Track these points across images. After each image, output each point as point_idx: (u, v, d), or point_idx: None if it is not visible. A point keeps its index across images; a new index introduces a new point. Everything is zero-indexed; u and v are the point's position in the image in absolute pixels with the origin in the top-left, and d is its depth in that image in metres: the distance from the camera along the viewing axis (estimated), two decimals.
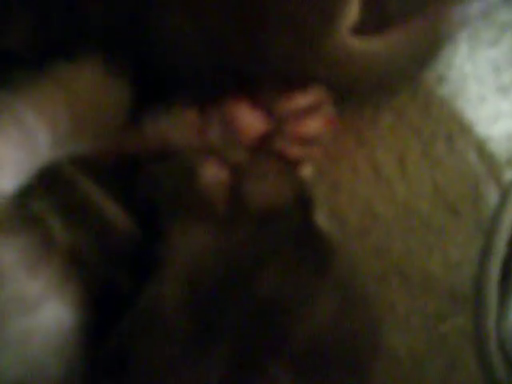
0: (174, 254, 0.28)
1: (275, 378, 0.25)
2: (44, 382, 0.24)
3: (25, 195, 0.25)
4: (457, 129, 0.38)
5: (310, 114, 0.32)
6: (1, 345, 0.24)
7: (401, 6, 0.35)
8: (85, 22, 0.28)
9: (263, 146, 0.32)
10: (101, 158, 0.30)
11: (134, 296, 0.27)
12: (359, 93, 0.34)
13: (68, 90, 0.27)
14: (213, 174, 0.30)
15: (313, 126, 0.32)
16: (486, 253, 0.33)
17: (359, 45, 0.32)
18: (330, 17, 0.30)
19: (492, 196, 0.39)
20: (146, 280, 0.28)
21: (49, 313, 0.25)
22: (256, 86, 0.31)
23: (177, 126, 0.31)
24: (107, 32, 0.28)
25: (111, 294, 0.28)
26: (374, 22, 0.33)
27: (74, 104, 0.27)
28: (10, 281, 0.24)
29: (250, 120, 0.31)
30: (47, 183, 0.27)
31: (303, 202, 0.30)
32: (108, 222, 0.29)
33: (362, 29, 0.33)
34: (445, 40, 0.35)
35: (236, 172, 0.30)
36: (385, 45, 0.33)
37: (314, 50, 0.30)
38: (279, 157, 0.31)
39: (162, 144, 0.31)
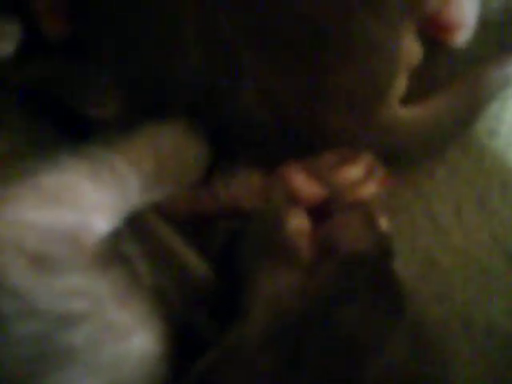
0: (259, 296, 0.31)
1: None
2: None
3: (116, 237, 0.29)
4: (510, 180, 0.40)
5: (364, 182, 0.34)
6: (95, 368, 0.26)
7: (449, 71, 0.38)
8: (171, 98, 0.32)
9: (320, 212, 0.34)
10: (177, 210, 0.33)
11: (213, 335, 0.30)
12: (410, 155, 0.36)
13: (154, 145, 0.31)
14: (298, 222, 0.32)
15: (367, 191, 0.34)
16: None
17: (406, 113, 0.35)
18: (381, 91, 0.33)
19: None
20: (226, 321, 0.31)
21: (137, 342, 0.27)
22: (313, 156, 0.34)
23: (244, 190, 0.34)
24: (188, 105, 0.32)
25: (189, 332, 0.31)
26: (422, 89, 0.37)
27: (159, 157, 0.31)
28: (103, 310, 0.27)
29: (306, 189, 0.33)
30: (134, 228, 0.30)
31: (383, 250, 0.32)
32: (187, 267, 0.32)
33: (409, 98, 0.36)
34: (488, 101, 0.37)
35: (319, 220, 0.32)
36: (430, 111, 0.36)
37: (366, 121, 0.33)
38: (362, 207, 0.33)
39: (231, 204, 0.34)
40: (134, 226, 0.31)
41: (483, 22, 0.38)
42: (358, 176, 0.34)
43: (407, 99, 0.35)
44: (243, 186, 0.34)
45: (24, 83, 0.34)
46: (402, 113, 0.34)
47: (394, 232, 0.39)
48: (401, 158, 0.35)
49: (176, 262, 0.33)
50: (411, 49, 0.35)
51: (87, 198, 0.28)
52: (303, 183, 0.33)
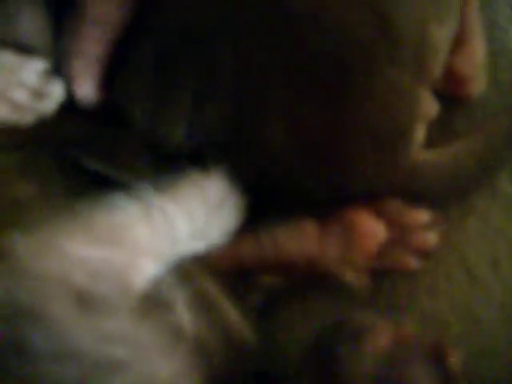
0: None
1: None
2: None
3: (160, 283, 0.27)
4: None
5: (429, 228, 0.35)
6: None
7: (466, 123, 0.39)
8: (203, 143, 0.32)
9: (380, 257, 0.33)
10: (220, 262, 0.32)
11: None
12: (437, 202, 0.36)
13: (202, 193, 0.31)
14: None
15: (432, 238, 0.34)
16: None
17: (428, 157, 0.35)
18: (403, 131, 0.33)
19: None
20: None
21: None
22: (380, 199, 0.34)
23: (295, 237, 0.33)
24: (220, 149, 0.32)
25: None
26: (442, 141, 0.37)
27: (207, 206, 0.31)
28: (146, 359, 0.24)
29: (372, 226, 0.33)
30: (178, 277, 0.28)
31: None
32: (229, 322, 0.30)
33: (430, 143, 0.36)
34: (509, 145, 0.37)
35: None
36: (451, 154, 0.36)
37: (390, 161, 0.33)
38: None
39: (278, 254, 0.32)
40: (179, 274, 0.29)
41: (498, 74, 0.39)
42: (425, 220, 0.34)
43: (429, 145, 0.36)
44: (293, 232, 0.33)
45: (59, 142, 0.33)
46: (424, 156, 0.34)
47: (430, 287, 0.37)
48: (428, 205, 0.35)
49: (218, 317, 0.30)
50: (428, 103, 0.35)
51: (138, 240, 0.28)
52: (367, 220, 0.33)
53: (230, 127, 0.32)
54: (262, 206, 0.34)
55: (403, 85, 0.32)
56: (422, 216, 0.34)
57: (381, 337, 0.27)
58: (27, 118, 0.32)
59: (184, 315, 0.29)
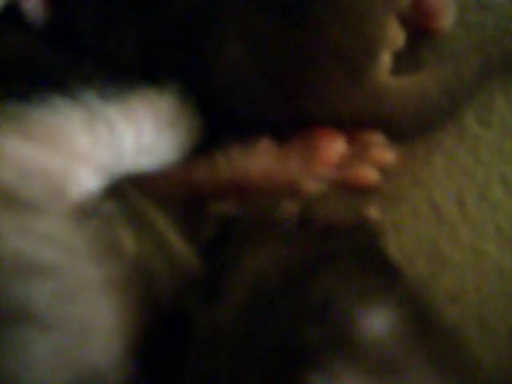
0: (238, 274, 0.27)
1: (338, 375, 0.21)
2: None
3: (100, 197, 0.25)
4: (509, 170, 0.38)
5: (386, 148, 0.34)
6: (55, 331, 0.22)
7: (434, 57, 0.38)
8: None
9: (340, 171, 0.32)
10: (169, 186, 0.30)
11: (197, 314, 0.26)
12: (401, 132, 0.35)
13: (153, 108, 0.29)
14: (287, 206, 0.30)
15: (389, 155, 0.34)
16: None
17: (394, 82, 0.35)
18: (370, 50, 0.33)
19: None
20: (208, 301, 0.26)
21: (109, 308, 0.23)
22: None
23: (252, 155, 0.31)
24: (176, 67, 0.30)
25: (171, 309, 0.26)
26: (408, 69, 0.36)
27: (156, 120, 0.29)
28: (77, 265, 0.23)
29: (332, 139, 0.32)
30: (120, 195, 0.27)
31: (367, 229, 0.30)
32: (171, 246, 0.28)
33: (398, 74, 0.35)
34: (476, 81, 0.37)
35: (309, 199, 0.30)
36: (417, 82, 0.35)
37: (355, 79, 0.32)
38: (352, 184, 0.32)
39: (234, 175, 0.31)
40: (121, 193, 0.28)
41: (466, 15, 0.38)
42: (383, 141, 0.34)
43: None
44: (250, 151, 0.31)
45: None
46: (390, 81, 0.34)
47: (395, 224, 0.36)
48: (394, 133, 0.34)
49: (159, 241, 0.29)
50: (394, 30, 0.34)
51: (77, 147, 0.26)
52: (328, 138, 0.32)
53: (183, 48, 0.31)
54: (218, 128, 0.32)
55: (371, 8, 0.32)
56: (380, 137, 0.34)
57: None
58: None
59: (124, 232, 0.27)
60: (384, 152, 0.33)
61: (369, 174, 0.33)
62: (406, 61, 0.37)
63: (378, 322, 0.23)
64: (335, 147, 0.32)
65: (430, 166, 0.37)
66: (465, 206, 0.37)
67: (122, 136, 0.28)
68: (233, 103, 0.32)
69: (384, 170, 0.34)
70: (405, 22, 0.36)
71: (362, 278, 0.25)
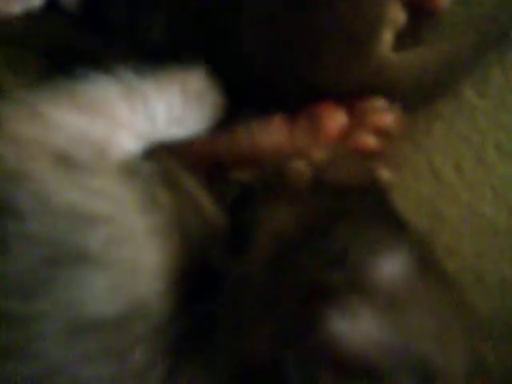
0: (263, 228, 0.30)
1: (355, 312, 0.25)
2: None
3: (137, 159, 0.29)
4: (504, 138, 0.42)
5: (386, 111, 0.37)
6: (107, 271, 0.26)
7: (434, 35, 0.41)
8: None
9: (344, 140, 0.35)
10: (195, 152, 0.33)
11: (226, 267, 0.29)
12: (402, 101, 0.38)
13: (181, 85, 0.33)
14: (298, 167, 0.33)
15: (388, 119, 0.37)
16: None
17: (395, 56, 0.38)
18: (373, 29, 0.36)
19: None
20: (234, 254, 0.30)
21: (152, 252, 0.27)
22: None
23: (266, 130, 0.35)
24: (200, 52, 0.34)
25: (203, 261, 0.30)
26: (408, 46, 0.39)
27: (185, 96, 0.33)
28: (125, 215, 0.27)
29: (333, 115, 0.35)
30: (155, 160, 0.30)
31: (376, 188, 0.33)
32: (201, 206, 0.32)
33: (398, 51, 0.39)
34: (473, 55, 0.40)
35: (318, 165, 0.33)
36: (417, 56, 0.38)
37: (361, 55, 0.35)
38: (357, 151, 0.35)
39: (252, 147, 0.34)
40: (155, 158, 0.31)
41: None
42: (381, 105, 0.36)
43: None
44: (264, 126, 0.35)
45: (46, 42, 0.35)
46: (391, 55, 0.37)
47: (398, 186, 0.40)
48: (396, 102, 0.37)
49: (192, 200, 0.32)
50: (395, 10, 0.37)
51: (117, 115, 0.30)
52: (329, 110, 0.35)
53: (204, 34, 0.34)
54: (239, 104, 0.36)
55: None
56: (379, 101, 0.36)
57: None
58: (15, 8, 0.33)
59: (161, 191, 0.31)
60: (383, 116, 0.36)
61: (368, 141, 0.36)
62: (407, 38, 0.40)
63: (388, 266, 0.27)
64: (336, 119, 0.35)
65: (430, 133, 0.40)
66: (462, 169, 0.41)
67: (155, 107, 0.31)
68: (252, 77, 0.35)
69: (385, 134, 0.37)
70: (406, 2, 0.39)
71: (375, 230, 0.28)
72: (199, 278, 0.30)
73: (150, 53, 0.35)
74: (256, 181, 0.34)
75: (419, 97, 0.38)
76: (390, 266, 0.26)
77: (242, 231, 0.32)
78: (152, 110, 0.31)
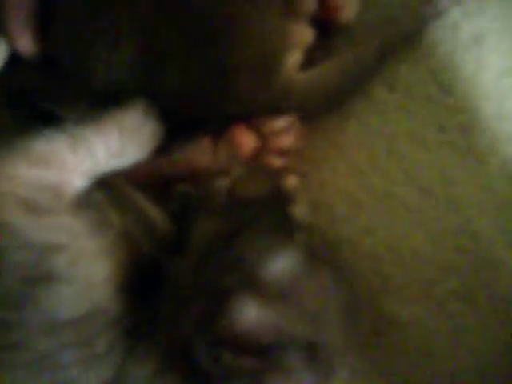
0: (193, 238, 0.39)
1: (246, 303, 0.33)
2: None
3: (89, 191, 0.38)
4: (414, 127, 0.47)
5: (285, 132, 0.43)
6: (73, 284, 0.35)
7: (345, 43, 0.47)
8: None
9: (255, 160, 0.42)
10: (140, 175, 0.41)
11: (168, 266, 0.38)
12: (311, 114, 0.45)
13: (118, 123, 0.40)
14: (218, 184, 0.41)
15: (288, 140, 0.43)
16: None
17: (301, 76, 0.44)
18: (274, 61, 0.42)
19: (460, 176, 0.47)
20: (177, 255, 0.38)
21: (104, 265, 0.36)
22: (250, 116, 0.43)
23: (196, 151, 0.42)
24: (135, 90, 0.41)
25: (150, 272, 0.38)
26: (320, 55, 0.45)
27: (121, 132, 0.40)
28: (77, 240, 0.36)
29: (245, 139, 0.42)
30: (105, 186, 0.39)
31: (280, 198, 0.40)
32: (149, 218, 0.40)
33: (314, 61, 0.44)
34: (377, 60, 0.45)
35: (234, 180, 0.41)
36: (321, 73, 0.44)
37: (265, 84, 0.41)
38: (265, 169, 0.42)
39: (186, 166, 0.42)
40: (105, 185, 0.39)
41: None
42: (281, 126, 0.43)
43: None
44: (194, 148, 0.43)
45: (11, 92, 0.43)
46: (297, 76, 0.43)
47: (319, 181, 0.47)
48: (307, 114, 0.44)
49: (141, 214, 0.40)
50: (301, 32, 0.43)
51: (67, 163, 0.38)
52: (241, 135, 0.42)
53: (139, 74, 0.41)
54: (174, 129, 0.43)
55: (271, 23, 0.40)
56: (278, 123, 0.43)
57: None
58: None
59: (111, 213, 0.39)
60: (283, 139, 0.43)
61: (272, 161, 0.43)
62: (319, 51, 0.45)
63: (275, 267, 0.34)
64: (247, 142, 0.42)
65: (344, 130, 0.47)
66: (376, 159, 0.47)
67: (96, 148, 0.39)
68: (181, 109, 0.42)
69: (287, 152, 0.43)
70: (314, 18, 0.45)
71: (267, 238, 0.36)
72: (148, 279, 0.38)
73: (98, 91, 0.42)
74: (191, 194, 0.42)
75: (326, 108, 0.44)
76: (277, 266, 0.34)
77: (182, 237, 0.40)
78: (93, 150, 0.39)
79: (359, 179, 0.47)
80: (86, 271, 0.36)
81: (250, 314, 0.33)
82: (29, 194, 0.36)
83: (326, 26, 0.45)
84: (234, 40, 0.39)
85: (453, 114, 0.48)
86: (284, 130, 0.43)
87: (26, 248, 0.35)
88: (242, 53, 0.40)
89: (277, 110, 0.42)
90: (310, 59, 0.45)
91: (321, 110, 0.44)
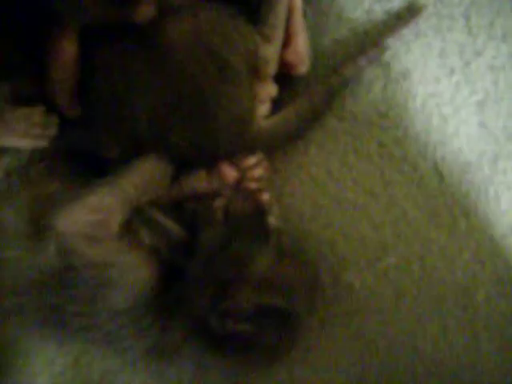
0: (201, 243, 0.56)
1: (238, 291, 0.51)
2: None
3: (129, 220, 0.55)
4: (359, 145, 0.64)
5: (258, 166, 0.61)
6: (122, 288, 0.53)
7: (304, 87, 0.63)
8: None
9: (238, 186, 0.60)
10: (162, 199, 0.58)
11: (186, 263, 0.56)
12: (277, 149, 0.63)
13: (139, 174, 0.58)
14: (215, 203, 0.58)
15: (259, 171, 0.60)
16: None
17: (266, 123, 0.61)
18: (246, 118, 0.58)
19: (397, 178, 0.64)
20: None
21: (143, 273, 0.53)
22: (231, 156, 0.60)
23: (197, 181, 0.60)
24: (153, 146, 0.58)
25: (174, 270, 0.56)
26: (289, 98, 0.61)
27: (144, 179, 0.57)
28: (120, 259, 0.53)
29: (228, 172, 0.60)
30: (138, 213, 0.56)
31: (259, 212, 0.58)
32: (170, 231, 0.57)
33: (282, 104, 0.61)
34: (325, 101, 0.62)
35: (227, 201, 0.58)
36: (281, 119, 0.61)
37: (242, 135, 0.58)
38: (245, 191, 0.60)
39: (191, 191, 0.59)
40: (138, 212, 0.56)
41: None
42: (253, 162, 0.60)
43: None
44: (196, 179, 0.60)
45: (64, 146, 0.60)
46: (263, 124, 0.60)
47: (288, 191, 0.64)
48: (277, 149, 0.61)
49: (163, 230, 0.58)
50: (266, 90, 0.59)
51: (112, 207, 0.55)
52: (226, 169, 0.59)
53: (155, 135, 0.58)
54: (181, 167, 0.61)
55: (243, 92, 0.57)
56: (250, 160, 0.60)
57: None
58: (42, 143, 0.57)
59: (144, 234, 0.56)
60: (255, 171, 0.59)
61: (251, 186, 0.59)
62: (287, 93, 0.62)
63: (258, 263, 0.52)
64: (230, 174, 0.59)
65: (307, 154, 0.64)
66: (331, 172, 0.64)
67: (129, 193, 0.56)
68: (182, 157, 0.60)
69: (260, 179, 0.60)
70: (279, 73, 0.61)
71: (253, 240, 0.53)
72: (170, 274, 0.56)
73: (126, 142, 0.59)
74: (198, 210, 0.59)
75: (288, 142, 0.62)
76: (260, 263, 0.52)
77: (193, 242, 0.58)
78: (128, 195, 0.56)
79: (319, 188, 0.64)
80: (132, 277, 0.54)
81: (244, 296, 0.50)
82: (88, 229, 0.53)
83: (285, 78, 0.61)
84: (217, 110, 0.56)
85: (389, 132, 0.64)
86: (256, 164, 0.60)
87: (90, 266, 0.53)
88: (223, 118, 0.57)
89: (250, 151, 0.59)
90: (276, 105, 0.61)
91: (284, 145, 0.61)
